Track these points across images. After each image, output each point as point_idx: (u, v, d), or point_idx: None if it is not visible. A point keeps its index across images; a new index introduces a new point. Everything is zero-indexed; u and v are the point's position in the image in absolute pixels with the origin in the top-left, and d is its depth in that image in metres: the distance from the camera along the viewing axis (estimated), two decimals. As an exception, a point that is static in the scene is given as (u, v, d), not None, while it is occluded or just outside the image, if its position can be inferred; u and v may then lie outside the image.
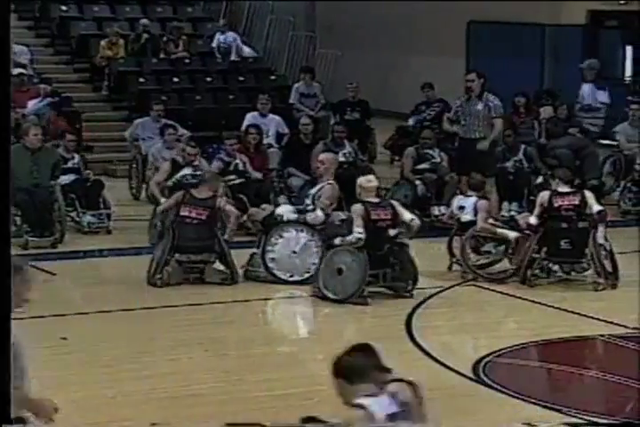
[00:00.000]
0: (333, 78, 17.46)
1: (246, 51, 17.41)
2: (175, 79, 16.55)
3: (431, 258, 10.26)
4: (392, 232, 9.12)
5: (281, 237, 9.69)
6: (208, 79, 16.73)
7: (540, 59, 17.60)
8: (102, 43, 16.50)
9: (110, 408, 6.66)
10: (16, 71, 14.74)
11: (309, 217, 9.78)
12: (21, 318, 8.56)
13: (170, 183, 11.20)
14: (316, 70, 16.55)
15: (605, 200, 12.06)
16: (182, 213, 9.69)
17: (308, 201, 10.02)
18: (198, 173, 10.84)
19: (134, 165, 13.70)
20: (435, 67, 17.85)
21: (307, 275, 9.52)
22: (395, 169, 14.54)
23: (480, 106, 12.39)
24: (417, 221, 9.37)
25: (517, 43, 17.56)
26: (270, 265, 9.60)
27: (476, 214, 10.01)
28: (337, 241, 9.13)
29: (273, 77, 17.20)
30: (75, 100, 15.66)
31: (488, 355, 7.76)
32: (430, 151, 12.67)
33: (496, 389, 7.12)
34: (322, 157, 10.50)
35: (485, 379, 7.29)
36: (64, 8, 17.44)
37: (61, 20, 17.34)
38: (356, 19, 19.65)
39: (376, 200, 9.30)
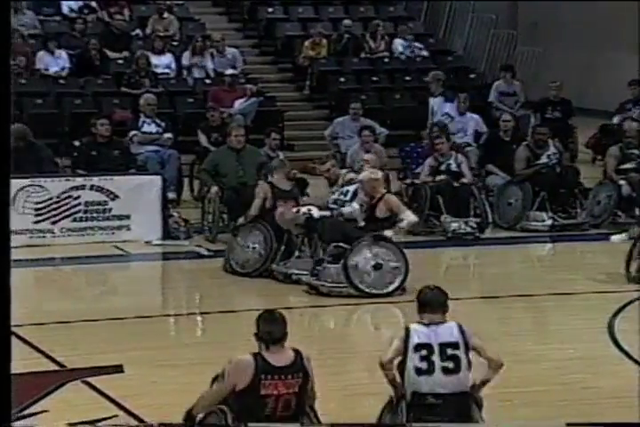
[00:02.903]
0: (534, 76, 17.23)
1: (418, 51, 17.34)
2: (375, 78, 16.71)
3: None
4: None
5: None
6: (407, 78, 16.82)
7: None
8: (306, 43, 16.84)
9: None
10: (229, 72, 15.27)
11: (345, 210, 9.71)
12: (230, 311, 8.82)
13: None
14: (516, 68, 16.38)
15: None
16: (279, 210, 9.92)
17: (345, 197, 10.02)
18: None
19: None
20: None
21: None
22: (597, 169, 14.24)
23: None
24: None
25: None
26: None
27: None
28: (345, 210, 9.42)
29: (472, 76, 17.12)
30: (277, 100, 16.05)
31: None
32: (636, 151, 12.34)
33: None
34: (367, 156, 10.74)
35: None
36: (271, 10, 17.89)
37: (268, 22, 17.79)
38: (558, 16, 19.31)
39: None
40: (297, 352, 5.20)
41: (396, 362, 5.37)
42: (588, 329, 8.48)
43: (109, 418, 6.24)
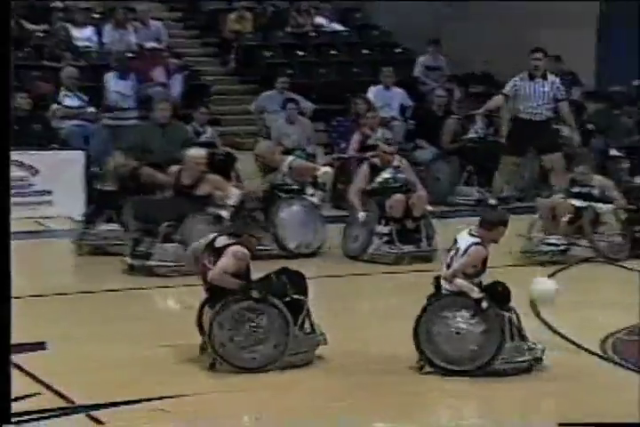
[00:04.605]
0: (462, 52, 17.26)
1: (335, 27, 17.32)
2: (301, 53, 16.62)
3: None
4: None
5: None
6: (333, 52, 16.76)
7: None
8: (231, 17, 16.67)
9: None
10: (149, 45, 15.05)
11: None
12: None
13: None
14: (443, 44, 16.41)
15: None
16: None
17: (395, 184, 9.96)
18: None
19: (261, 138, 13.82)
20: (564, 40, 17.47)
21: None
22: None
23: (547, 87, 11.83)
24: None
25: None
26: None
27: None
28: None
29: (398, 50, 17.13)
30: (203, 74, 15.89)
31: (615, 332, 7.62)
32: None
33: (626, 367, 6.99)
34: (386, 148, 10.28)
35: (614, 357, 7.16)
36: (196, -16, 17.69)
37: (193, -4, 17.58)
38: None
39: None
40: (229, 245, 6.75)
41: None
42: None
43: (32, 395, 6.13)
